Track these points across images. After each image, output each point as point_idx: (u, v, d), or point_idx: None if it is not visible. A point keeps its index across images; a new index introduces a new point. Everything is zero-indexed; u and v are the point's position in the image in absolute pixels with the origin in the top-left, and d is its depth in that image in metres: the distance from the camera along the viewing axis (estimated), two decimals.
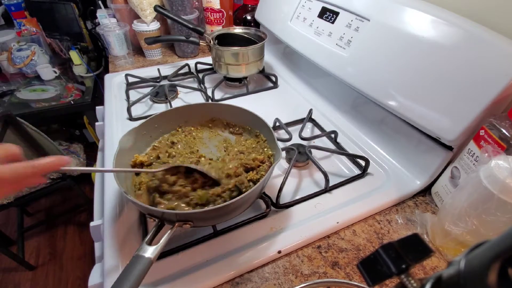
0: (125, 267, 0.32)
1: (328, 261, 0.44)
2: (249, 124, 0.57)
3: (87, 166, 1.33)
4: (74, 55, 1.35)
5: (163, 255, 0.44)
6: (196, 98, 0.82)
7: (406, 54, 0.52)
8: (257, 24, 1.02)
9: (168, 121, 0.56)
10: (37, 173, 0.31)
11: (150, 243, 0.35)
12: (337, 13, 0.67)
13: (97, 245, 0.52)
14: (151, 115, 0.54)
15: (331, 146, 0.65)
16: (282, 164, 0.61)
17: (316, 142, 0.65)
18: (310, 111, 0.71)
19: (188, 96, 0.82)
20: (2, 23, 1.53)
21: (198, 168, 0.45)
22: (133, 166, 0.48)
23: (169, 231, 0.37)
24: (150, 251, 0.33)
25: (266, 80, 0.91)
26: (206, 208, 0.39)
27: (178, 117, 0.57)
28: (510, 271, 0.13)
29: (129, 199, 0.38)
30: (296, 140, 0.62)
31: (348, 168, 0.60)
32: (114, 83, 0.88)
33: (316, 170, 0.58)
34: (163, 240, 0.35)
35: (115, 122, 0.71)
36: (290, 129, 0.65)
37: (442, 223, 0.43)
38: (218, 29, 0.90)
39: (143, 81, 0.87)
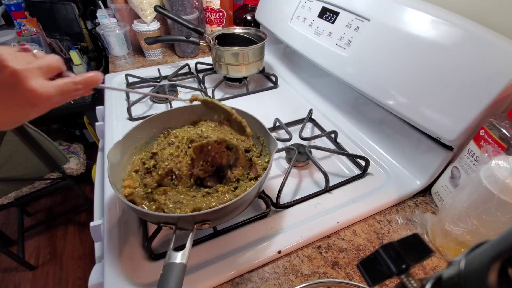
0: (161, 278, 0.31)
1: (328, 261, 0.44)
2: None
3: (87, 166, 1.33)
4: (74, 55, 1.35)
5: (163, 255, 0.44)
6: None
7: (406, 54, 0.52)
8: (257, 24, 1.02)
9: (150, 130, 0.53)
10: (79, 88, 0.33)
11: (176, 249, 0.34)
12: (337, 13, 0.67)
13: (97, 245, 0.52)
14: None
15: (331, 146, 0.65)
16: (282, 164, 0.61)
17: (316, 142, 0.65)
18: (310, 111, 0.71)
19: (188, 96, 0.82)
20: (2, 23, 1.53)
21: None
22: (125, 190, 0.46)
23: (191, 234, 0.37)
24: (179, 257, 0.33)
25: (266, 80, 0.91)
26: (222, 205, 0.38)
27: (159, 125, 0.54)
28: (510, 271, 0.13)
29: (141, 210, 0.38)
30: (296, 140, 0.62)
31: (348, 168, 0.60)
32: (114, 83, 0.88)
33: (316, 170, 0.58)
34: (188, 243, 0.35)
35: (115, 122, 0.71)
36: (290, 129, 0.65)
37: (442, 223, 0.43)
38: (218, 29, 0.90)
39: (143, 81, 0.87)
